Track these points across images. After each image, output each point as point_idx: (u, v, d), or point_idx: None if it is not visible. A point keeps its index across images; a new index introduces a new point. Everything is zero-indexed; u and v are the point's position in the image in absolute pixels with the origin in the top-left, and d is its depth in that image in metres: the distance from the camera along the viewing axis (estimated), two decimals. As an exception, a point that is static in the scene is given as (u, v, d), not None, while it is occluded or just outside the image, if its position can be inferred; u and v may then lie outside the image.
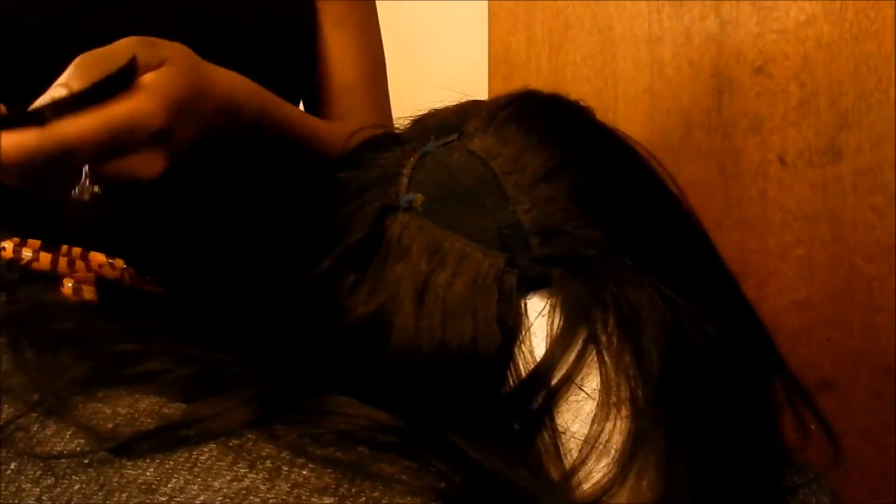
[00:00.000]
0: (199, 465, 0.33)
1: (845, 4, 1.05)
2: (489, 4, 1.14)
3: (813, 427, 0.43)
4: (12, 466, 0.36)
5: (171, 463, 0.34)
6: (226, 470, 0.33)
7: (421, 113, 0.46)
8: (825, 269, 1.08)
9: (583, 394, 0.37)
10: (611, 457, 0.36)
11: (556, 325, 0.38)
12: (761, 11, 1.08)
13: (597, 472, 0.36)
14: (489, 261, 0.38)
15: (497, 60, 1.14)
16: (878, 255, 1.06)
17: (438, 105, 0.46)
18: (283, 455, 0.33)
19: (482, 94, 0.44)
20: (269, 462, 0.33)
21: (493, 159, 0.41)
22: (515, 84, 1.18)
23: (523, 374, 0.37)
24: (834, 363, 1.07)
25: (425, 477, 0.33)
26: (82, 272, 0.43)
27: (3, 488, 0.36)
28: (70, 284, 0.42)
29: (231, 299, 0.43)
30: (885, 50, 1.04)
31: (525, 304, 0.38)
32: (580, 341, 0.37)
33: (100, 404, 0.37)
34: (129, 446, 0.34)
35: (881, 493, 1.05)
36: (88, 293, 0.42)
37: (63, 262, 0.43)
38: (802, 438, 0.42)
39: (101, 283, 0.43)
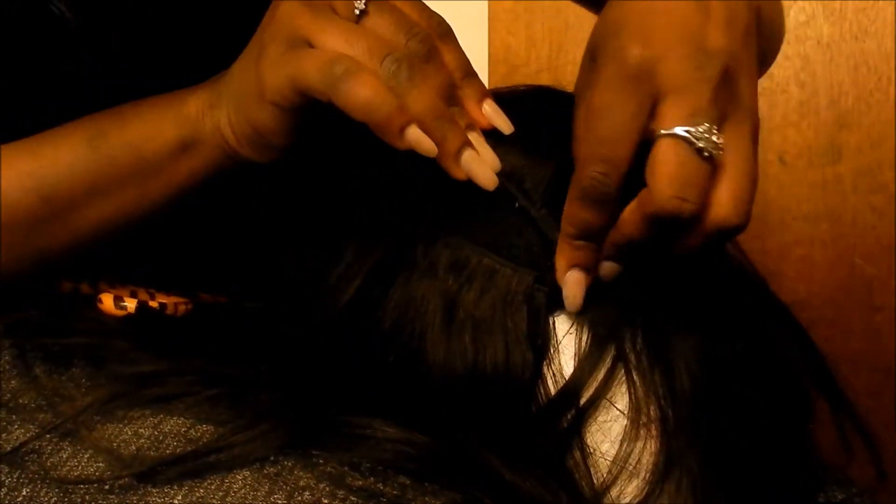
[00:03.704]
0: (232, 494, 0.32)
1: (845, 4, 1.05)
2: (489, 4, 1.13)
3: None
4: (24, 493, 0.35)
5: (202, 491, 0.32)
6: (261, 501, 0.32)
7: None
8: (825, 269, 1.08)
9: (612, 413, 0.37)
10: (641, 477, 0.36)
11: (584, 343, 0.38)
12: (761, 11, 1.07)
13: (628, 494, 0.36)
14: (518, 278, 0.38)
15: (497, 60, 1.13)
16: (878, 255, 1.06)
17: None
18: (322, 486, 0.32)
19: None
20: (307, 494, 0.32)
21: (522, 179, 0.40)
22: (515, 84, 1.17)
23: (552, 392, 0.37)
24: (834, 363, 1.07)
25: None
26: (108, 289, 0.41)
27: (15, 515, 0.34)
28: (109, 299, 0.40)
29: (258, 318, 0.42)
30: (885, 50, 1.04)
31: (553, 322, 0.38)
32: (609, 359, 0.37)
33: (121, 425, 0.35)
34: (156, 472, 0.33)
35: (881, 493, 1.05)
36: (131, 305, 0.41)
37: (85, 284, 0.41)
38: (846, 455, 0.41)
39: (137, 295, 0.41)
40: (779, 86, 1.07)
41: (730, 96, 0.33)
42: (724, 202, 0.33)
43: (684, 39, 0.33)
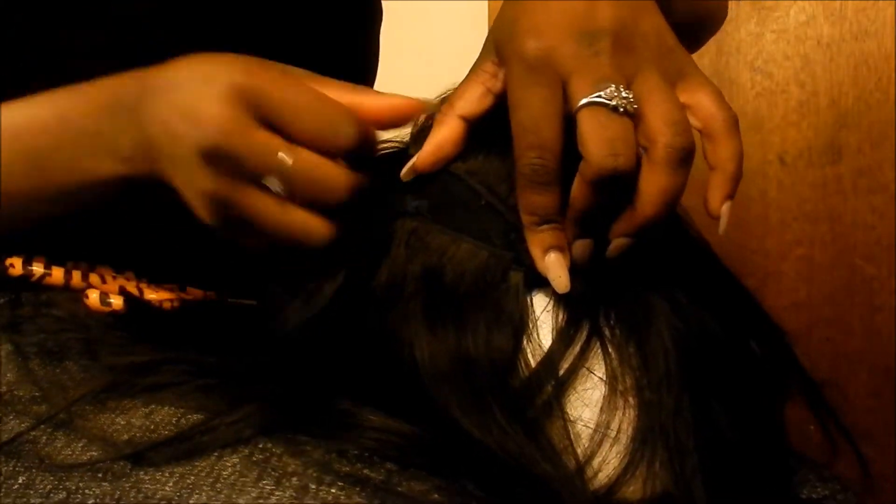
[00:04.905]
0: (222, 480, 0.32)
1: (845, 4, 1.05)
2: (489, 4, 1.13)
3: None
4: (20, 481, 0.35)
5: (193, 478, 0.33)
6: (251, 486, 0.32)
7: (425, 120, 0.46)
8: (825, 269, 1.08)
9: (591, 381, 0.38)
10: (622, 445, 0.37)
11: (560, 320, 0.39)
12: (761, 11, 1.07)
13: (610, 461, 0.37)
14: (495, 259, 0.39)
15: (497, 60, 1.14)
16: (878, 255, 1.06)
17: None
18: (310, 472, 0.33)
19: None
20: (295, 479, 0.32)
21: None
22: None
23: (533, 365, 0.38)
24: (834, 363, 1.07)
25: (456, 495, 0.32)
26: (98, 285, 0.42)
27: (11, 504, 0.35)
28: (95, 295, 0.41)
29: (246, 312, 0.42)
30: (885, 50, 1.04)
31: (531, 300, 0.39)
32: (584, 333, 0.38)
33: (113, 415, 0.36)
34: (145, 455, 0.33)
35: (881, 493, 1.05)
36: (117, 302, 0.41)
37: (77, 275, 0.41)
38: (830, 451, 0.42)
39: (124, 292, 0.41)
40: (779, 86, 1.07)
41: (629, 57, 0.37)
42: (658, 131, 0.35)
43: (571, 25, 0.36)
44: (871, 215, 1.06)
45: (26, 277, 0.42)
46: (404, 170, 0.40)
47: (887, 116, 1.04)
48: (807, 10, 1.06)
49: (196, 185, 0.37)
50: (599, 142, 0.35)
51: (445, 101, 0.41)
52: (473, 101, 0.39)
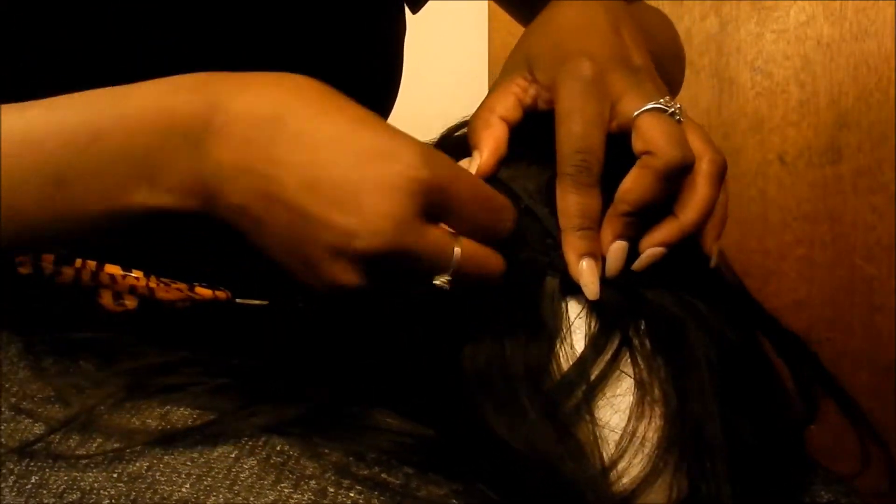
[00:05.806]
0: (240, 482, 0.32)
1: (845, 4, 1.05)
2: (489, 4, 1.13)
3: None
4: (33, 480, 0.35)
5: (210, 480, 0.33)
6: (268, 489, 0.32)
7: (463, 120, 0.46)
8: (825, 269, 1.08)
9: (621, 388, 0.38)
10: (647, 451, 0.38)
11: (593, 326, 0.40)
12: (761, 11, 1.08)
13: (635, 466, 0.37)
14: (531, 263, 0.40)
15: (497, 60, 1.13)
16: (878, 255, 1.06)
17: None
18: (328, 476, 0.33)
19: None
20: (313, 483, 0.32)
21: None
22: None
23: (565, 369, 0.38)
24: (834, 363, 1.07)
25: (474, 500, 0.32)
26: (109, 284, 0.41)
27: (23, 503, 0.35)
28: (108, 295, 0.41)
29: (260, 313, 0.42)
30: (885, 50, 1.04)
31: (566, 305, 0.40)
32: (615, 342, 0.39)
33: (129, 416, 0.36)
34: (167, 439, 0.33)
35: (881, 493, 1.05)
36: (130, 303, 0.41)
37: (87, 275, 0.41)
38: (862, 462, 0.42)
39: (137, 292, 0.41)
40: (779, 86, 1.08)
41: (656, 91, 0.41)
42: (700, 148, 0.40)
43: (617, 57, 0.41)
44: (871, 215, 1.06)
45: (36, 276, 0.42)
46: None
47: (887, 116, 1.05)
48: (807, 10, 1.06)
49: (329, 279, 0.33)
50: (667, 137, 0.38)
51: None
52: (511, 109, 0.42)
